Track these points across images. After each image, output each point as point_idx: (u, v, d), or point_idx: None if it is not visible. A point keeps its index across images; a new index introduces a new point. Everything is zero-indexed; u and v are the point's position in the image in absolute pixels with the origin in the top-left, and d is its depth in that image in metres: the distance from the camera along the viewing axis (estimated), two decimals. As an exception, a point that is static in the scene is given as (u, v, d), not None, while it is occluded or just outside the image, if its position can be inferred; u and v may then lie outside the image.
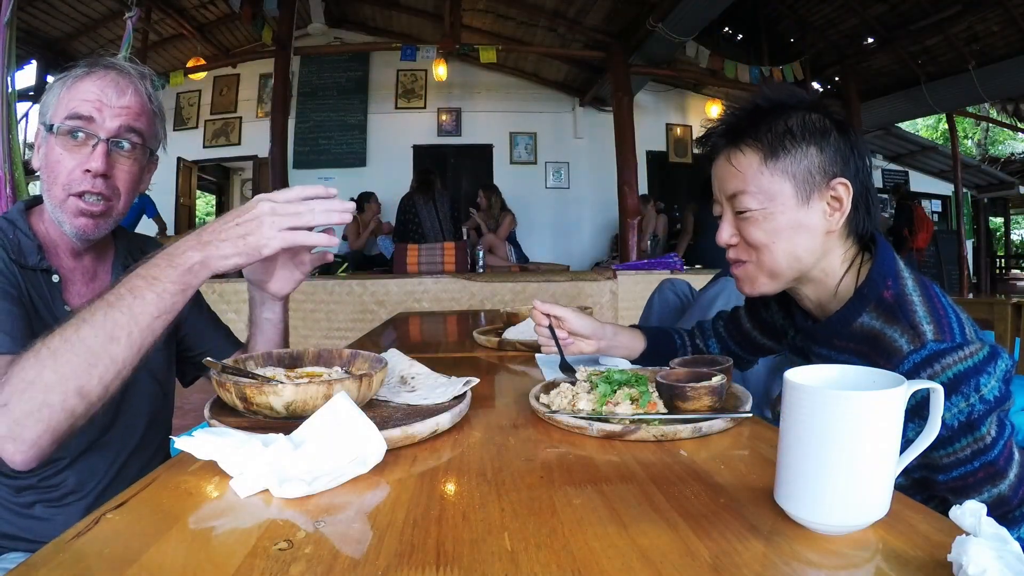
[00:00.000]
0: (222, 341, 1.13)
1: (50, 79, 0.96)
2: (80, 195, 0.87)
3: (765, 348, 1.11)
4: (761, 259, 0.82)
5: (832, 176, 0.79)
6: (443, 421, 0.72)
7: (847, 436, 0.46)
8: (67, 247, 0.95)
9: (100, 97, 0.87)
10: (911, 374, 0.72)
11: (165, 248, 0.74)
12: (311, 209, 0.74)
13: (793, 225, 0.80)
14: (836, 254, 0.83)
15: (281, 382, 0.71)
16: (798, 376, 0.52)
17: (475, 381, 0.85)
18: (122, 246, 1.04)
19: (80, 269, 0.97)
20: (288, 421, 0.68)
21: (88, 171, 0.86)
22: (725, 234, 0.85)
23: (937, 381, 0.68)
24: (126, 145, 0.90)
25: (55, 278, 0.91)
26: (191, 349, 1.12)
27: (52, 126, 0.86)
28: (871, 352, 0.77)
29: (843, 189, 0.79)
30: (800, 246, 0.81)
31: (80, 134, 0.87)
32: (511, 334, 1.43)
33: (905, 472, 0.76)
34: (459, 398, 0.80)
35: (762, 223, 0.80)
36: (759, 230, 0.81)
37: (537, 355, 1.28)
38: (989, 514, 0.75)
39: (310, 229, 0.75)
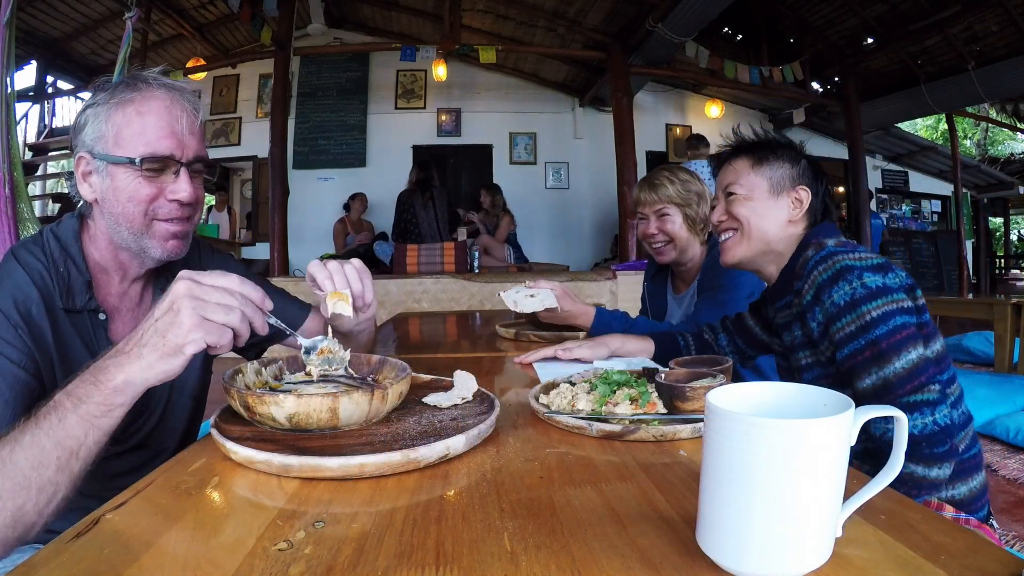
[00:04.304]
0: (295, 313, 1.13)
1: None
2: (168, 219, 0.88)
3: (763, 344, 1.31)
4: (743, 229, 1.15)
5: (798, 184, 1.14)
6: (456, 445, 0.64)
7: (771, 473, 0.39)
8: (120, 273, 0.93)
9: (173, 130, 0.86)
10: (810, 272, 1.02)
11: (99, 358, 0.65)
12: (231, 307, 0.64)
13: (764, 208, 1.14)
14: (795, 237, 1.14)
15: (286, 391, 0.69)
16: (721, 398, 0.45)
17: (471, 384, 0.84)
18: (163, 268, 0.98)
19: (128, 296, 0.95)
20: (293, 434, 0.66)
21: (177, 201, 0.87)
22: (717, 214, 1.19)
23: (829, 272, 0.99)
24: (198, 166, 0.91)
25: (101, 316, 0.90)
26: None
27: (132, 160, 0.84)
28: (803, 277, 1.04)
29: (804, 194, 1.14)
30: (769, 225, 1.14)
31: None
32: (520, 299, 1.44)
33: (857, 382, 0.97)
34: (482, 415, 0.73)
35: (744, 203, 1.15)
36: (742, 207, 1.15)
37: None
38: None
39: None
